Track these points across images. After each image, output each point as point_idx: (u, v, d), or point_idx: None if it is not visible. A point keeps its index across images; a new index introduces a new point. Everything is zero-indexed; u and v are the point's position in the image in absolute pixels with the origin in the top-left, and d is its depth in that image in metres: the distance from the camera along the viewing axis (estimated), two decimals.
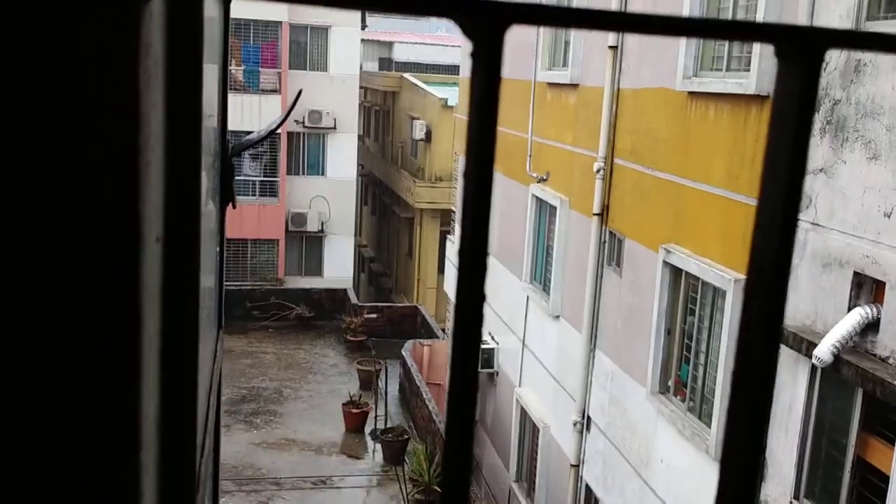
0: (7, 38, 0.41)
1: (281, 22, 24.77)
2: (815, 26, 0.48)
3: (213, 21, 1.52)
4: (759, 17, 7.15)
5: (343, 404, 17.28)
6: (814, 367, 6.27)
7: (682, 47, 8.41)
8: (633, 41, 9.76)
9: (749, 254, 0.49)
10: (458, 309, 0.47)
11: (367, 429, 17.05)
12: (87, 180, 0.42)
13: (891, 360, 5.67)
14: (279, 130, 24.69)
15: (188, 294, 0.65)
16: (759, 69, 7.16)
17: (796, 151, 0.47)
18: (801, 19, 6.60)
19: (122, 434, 0.45)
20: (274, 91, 24.86)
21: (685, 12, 8.35)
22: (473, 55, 0.45)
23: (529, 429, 12.79)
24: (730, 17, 7.93)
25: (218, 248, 1.54)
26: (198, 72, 0.65)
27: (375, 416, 16.85)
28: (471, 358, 0.48)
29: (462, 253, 0.47)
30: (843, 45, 0.50)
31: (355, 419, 17.02)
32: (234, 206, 1.56)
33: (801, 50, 0.48)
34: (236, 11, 26.49)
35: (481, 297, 0.47)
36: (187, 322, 0.64)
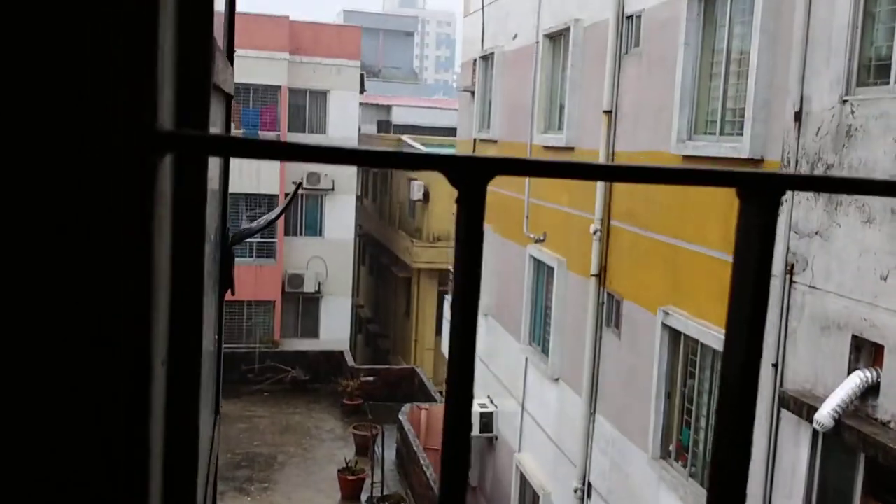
0: (29, 184, 0.45)
1: (280, 86, 25.20)
2: (772, 172, 0.52)
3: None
4: (751, 86, 7.31)
5: (339, 471, 17.01)
6: (815, 432, 6.23)
7: (676, 111, 8.57)
8: (627, 105, 9.94)
9: (720, 376, 0.52)
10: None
11: (364, 496, 16.76)
12: (103, 320, 0.45)
13: (892, 425, 5.64)
14: (277, 192, 24.90)
15: (188, 412, 0.68)
16: (752, 133, 7.29)
17: (758, 286, 0.51)
18: (793, 88, 6.74)
19: None
20: None
21: (676, 98, 8.53)
22: (458, 202, 0.49)
23: (529, 496, 12.59)
24: (720, 95, 8.10)
25: (216, 336, 1.57)
26: (202, 212, 0.70)
27: (372, 483, 16.58)
28: (464, 422, 0.50)
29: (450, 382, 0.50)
30: (799, 188, 0.54)
31: (351, 486, 16.73)
32: (233, 293, 1.59)
33: (760, 192, 0.52)
34: (236, 76, 26.82)
35: (469, 398, 0.50)
36: (188, 440, 0.67)
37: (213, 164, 1.37)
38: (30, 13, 0.43)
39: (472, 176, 0.48)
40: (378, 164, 0.48)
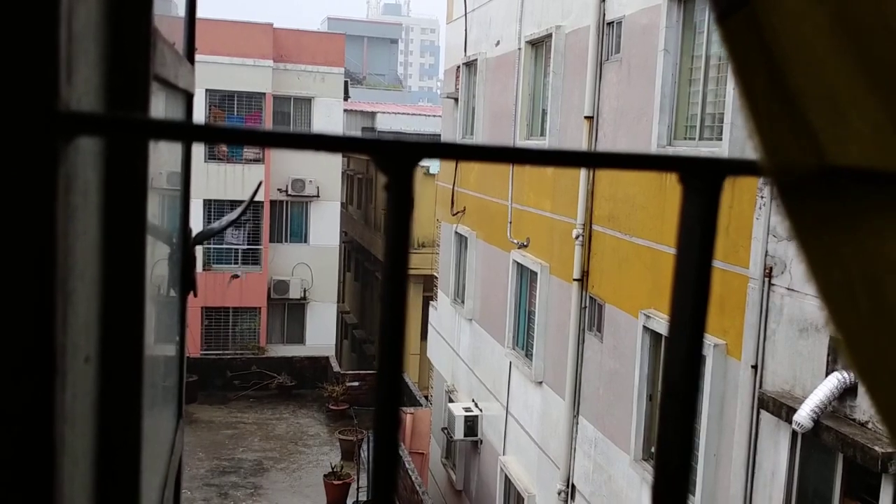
0: None
1: (265, 93, 25.14)
2: (715, 157, 0.51)
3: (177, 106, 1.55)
4: (730, 91, 7.35)
5: (324, 476, 16.95)
6: (794, 433, 6.26)
7: (656, 117, 8.60)
8: (608, 111, 9.97)
9: (663, 369, 0.51)
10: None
11: (350, 501, 16.70)
12: None
13: (870, 425, 5.67)
14: (262, 198, 24.82)
15: (128, 410, 0.65)
16: (730, 138, 7.33)
17: (700, 275, 0.49)
18: None
19: None
20: (257, 161, 25.06)
21: (656, 103, 8.57)
22: (386, 188, 0.47)
23: (514, 498, 12.58)
24: (700, 100, 8.15)
25: (178, 338, 1.54)
26: (141, 202, 0.67)
27: (357, 488, 16.53)
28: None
29: (380, 373, 0.48)
30: (741, 173, 0.53)
31: (337, 491, 16.68)
32: (195, 295, 1.57)
33: (702, 178, 0.50)
34: (220, 83, 26.59)
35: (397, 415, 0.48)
36: (128, 439, 0.65)
37: (170, 159, 1.34)
38: None
39: (398, 160, 0.46)
40: (302, 146, 0.46)
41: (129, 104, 0.65)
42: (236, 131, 0.44)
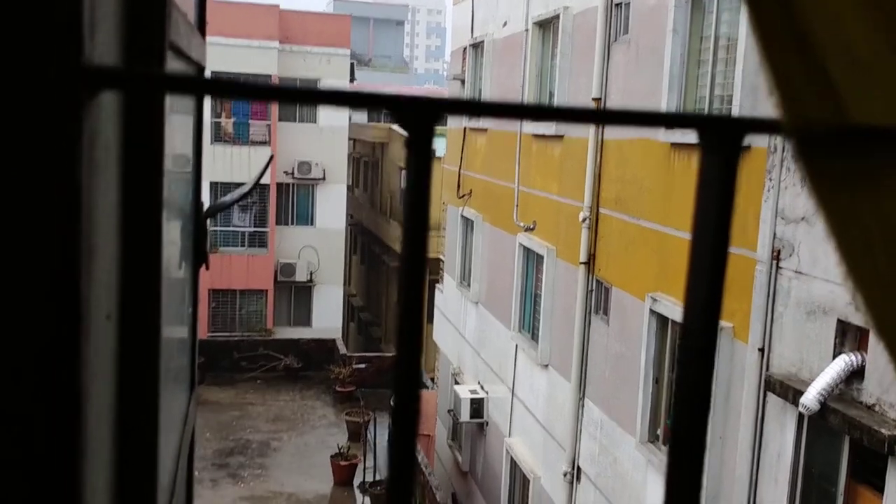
0: None
1: (270, 75, 25.08)
2: (733, 116, 0.51)
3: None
4: (738, 72, 7.30)
5: (331, 456, 17.07)
6: (801, 416, 6.27)
7: (664, 98, 8.56)
8: (616, 93, 9.93)
9: (679, 344, 0.51)
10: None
11: (356, 481, 16.82)
12: (22, 265, 0.43)
13: (877, 408, 5.67)
14: (268, 181, 24.83)
15: (146, 366, 0.66)
16: None
17: (718, 235, 0.49)
18: None
19: None
20: (263, 143, 25.05)
21: (664, 84, 8.52)
22: (407, 144, 0.48)
23: (520, 480, 12.65)
24: (708, 81, 8.10)
25: (191, 309, 1.55)
26: (159, 156, 0.68)
27: (364, 469, 16.64)
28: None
29: (400, 330, 0.49)
30: (760, 131, 0.53)
31: (344, 472, 16.79)
32: (206, 268, 1.58)
33: (721, 137, 0.50)
34: (226, 65, 26.48)
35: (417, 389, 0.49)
36: (145, 395, 0.66)
37: (184, 131, 1.35)
38: None
39: (420, 116, 0.46)
40: (322, 102, 0.47)
41: (146, 66, 0.66)
42: (253, 87, 0.44)
